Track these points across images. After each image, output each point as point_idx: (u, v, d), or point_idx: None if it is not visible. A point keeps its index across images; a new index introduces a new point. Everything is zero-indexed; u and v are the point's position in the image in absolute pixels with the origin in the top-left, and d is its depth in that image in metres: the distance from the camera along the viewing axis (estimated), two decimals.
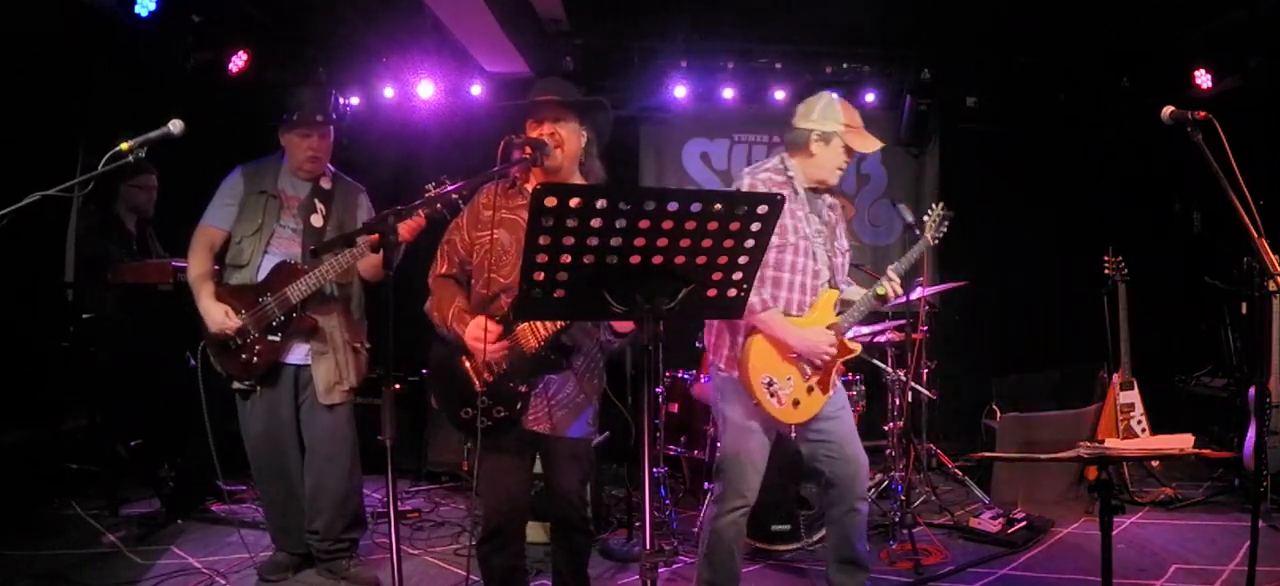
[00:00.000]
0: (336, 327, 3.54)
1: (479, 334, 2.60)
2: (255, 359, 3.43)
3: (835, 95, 3.10)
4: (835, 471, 3.11)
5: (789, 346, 2.98)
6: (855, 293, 3.23)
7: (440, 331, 2.76)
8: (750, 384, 2.96)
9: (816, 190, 3.12)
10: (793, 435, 3.11)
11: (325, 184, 3.62)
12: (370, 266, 3.49)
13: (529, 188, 2.76)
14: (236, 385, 3.52)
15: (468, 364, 2.69)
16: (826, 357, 3.02)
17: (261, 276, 3.46)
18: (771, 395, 2.97)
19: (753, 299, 2.91)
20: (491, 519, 2.80)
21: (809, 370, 3.04)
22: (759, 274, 2.97)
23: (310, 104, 3.50)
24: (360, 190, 3.74)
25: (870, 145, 3.07)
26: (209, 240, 3.52)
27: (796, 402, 3.02)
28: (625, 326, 2.59)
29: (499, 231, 2.71)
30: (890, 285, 3.12)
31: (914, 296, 4.54)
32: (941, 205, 3.49)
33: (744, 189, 3.04)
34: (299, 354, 3.53)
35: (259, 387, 3.51)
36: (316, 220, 3.55)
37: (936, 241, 3.42)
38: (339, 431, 3.59)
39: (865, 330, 4.62)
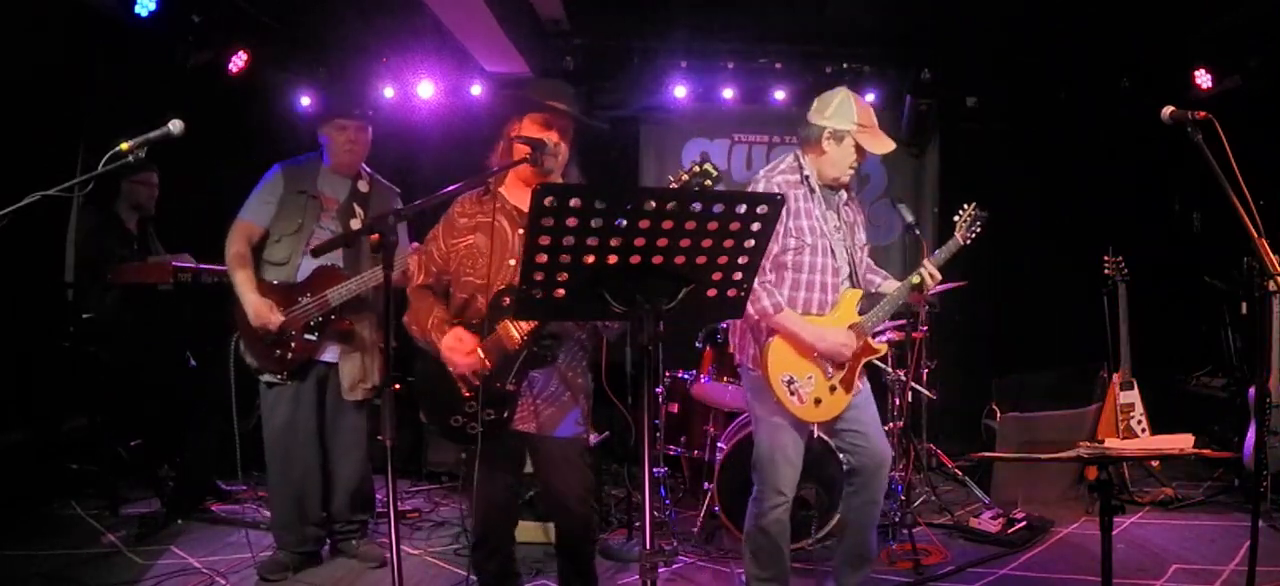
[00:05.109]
0: (366, 328, 3.62)
1: (454, 345, 2.59)
2: (290, 354, 3.49)
3: (851, 93, 3.08)
4: (860, 460, 3.12)
5: (807, 344, 2.98)
6: (889, 286, 3.21)
7: (419, 343, 2.75)
8: (771, 382, 2.97)
9: (832, 187, 3.12)
10: (815, 434, 3.10)
11: (363, 186, 3.69)
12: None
13: (502, 191, 2.76)
14: (266, 378, 3.56)
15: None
16: (845, 356, 3.02)
17: (301, 277, 3.52)
18: (792, 393, 2.98)
19: (768, 301, 2.91)
20: (479, 526, 2.81)
21: (831, 369, 3.03)
22: (779, 275, 2.99)
23: (348, 97, 3.55)
24: (395, 192, 3.82)
25: (883, 146, 3.05)
26: (247, 234, 3.55)
27: (818, 401, 3.01)
28: None
29: (475, 237, 2.71)
30: (926, 272, 3.10)
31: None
32: (974, 205, 3.42)
33: (759, 190, 3.03)
34: (331, 352, 3.61)
35: (287, 380, 3.57)
36: (355, 224, 3.60)
37: (969, 241, 3.37)
38: (358, 426, 3.73)
39: None
